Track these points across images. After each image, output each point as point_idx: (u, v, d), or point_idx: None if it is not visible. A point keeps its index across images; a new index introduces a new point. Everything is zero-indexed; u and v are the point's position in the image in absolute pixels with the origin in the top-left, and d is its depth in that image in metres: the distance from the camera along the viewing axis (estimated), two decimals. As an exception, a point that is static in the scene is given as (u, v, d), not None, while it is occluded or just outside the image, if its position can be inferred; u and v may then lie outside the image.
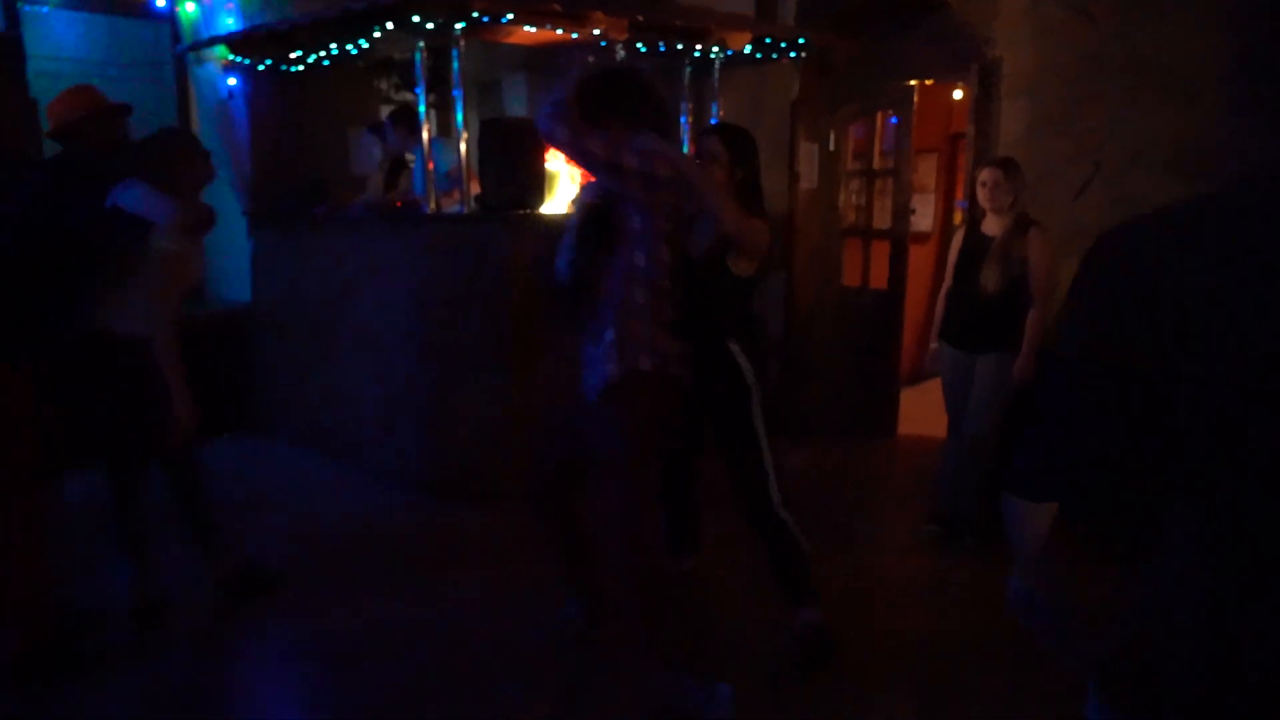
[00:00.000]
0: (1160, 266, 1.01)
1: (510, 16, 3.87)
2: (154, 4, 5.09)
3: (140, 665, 2.85)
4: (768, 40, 4.79)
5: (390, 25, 3.88)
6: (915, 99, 5.16)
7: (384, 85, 6.42)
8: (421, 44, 4.17)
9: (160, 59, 5.26)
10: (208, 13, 4.95)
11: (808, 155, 5.48)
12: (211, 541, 3.25)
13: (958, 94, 5.29)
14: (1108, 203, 4.25)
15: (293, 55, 4.58)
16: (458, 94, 4.21)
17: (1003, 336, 3.71)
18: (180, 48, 4.99)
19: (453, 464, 4.33)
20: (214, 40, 4.69)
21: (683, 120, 5.17)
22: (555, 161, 4.67)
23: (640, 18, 4.12)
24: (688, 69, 5.03)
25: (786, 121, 5.34)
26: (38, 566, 2.76)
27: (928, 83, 5.24)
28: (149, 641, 2.98)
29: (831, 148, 5.52)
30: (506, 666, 2.84)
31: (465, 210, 4.35)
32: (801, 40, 4.84)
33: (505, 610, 3.20)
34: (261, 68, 4.96)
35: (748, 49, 4.80)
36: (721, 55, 4.78)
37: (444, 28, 3.91)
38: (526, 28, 4.16)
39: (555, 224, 4.44)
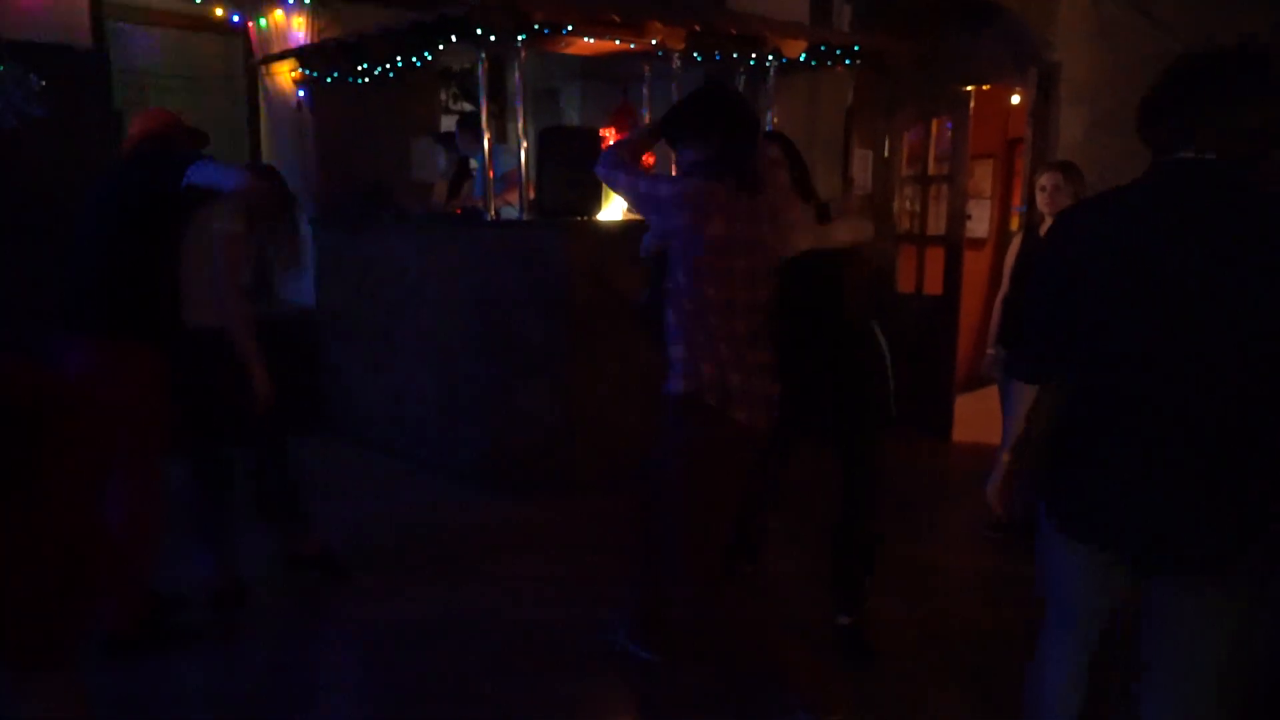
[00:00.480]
0: (1087, 227, 1.70)
1: (570, 28, 3.96)
2: (229, 20, 5.30)
3: (220, 644, 3.00)
4: (822, 48, 4.82)
5: (455, 37, 4.00)
6: (971, 104, 5.14)
7: (444, 95, 6.59)
8: (483, 55, 4.29)
9: (233, 71, 5.48)
10: (279, 27, 5.14)
11: (862, 161, 5.50)
12: (293, 524, 3.39)
13: (1015, 98, 5.26)
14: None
15: (360, 67, 4.74)
16: (519, 103, 4.32)
17: None
18: (252, 60, 5.18)
19: (512, 460, 4.44)
20: (285, 54, 4.87)
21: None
22: (612, 168, 4.76)
23: (697, 27, 4.18)
24: (741, 77, 5.08)
25: (840, 128, 5.37)
26: (151, 546, 2.90)
27: (984, 88, 5.23)
28: (228, 622, 3.13)
29: (886, 154, 5.52)
30: (561, 656, 2.91)
31: (523, 216, 4.46)
32: (856, 47, 4.86)
33: (561, 601, 3.28)
34: (329, 79, 5.14)
35: (803, 56, 4.84)
36: (776, 63, 4.82)
37: (506, 39, 4.02)
38: (585, 38, 4.26)
39: (611, 230, 4.54)
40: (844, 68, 5.26)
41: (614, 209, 4.79)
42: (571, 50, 4.56)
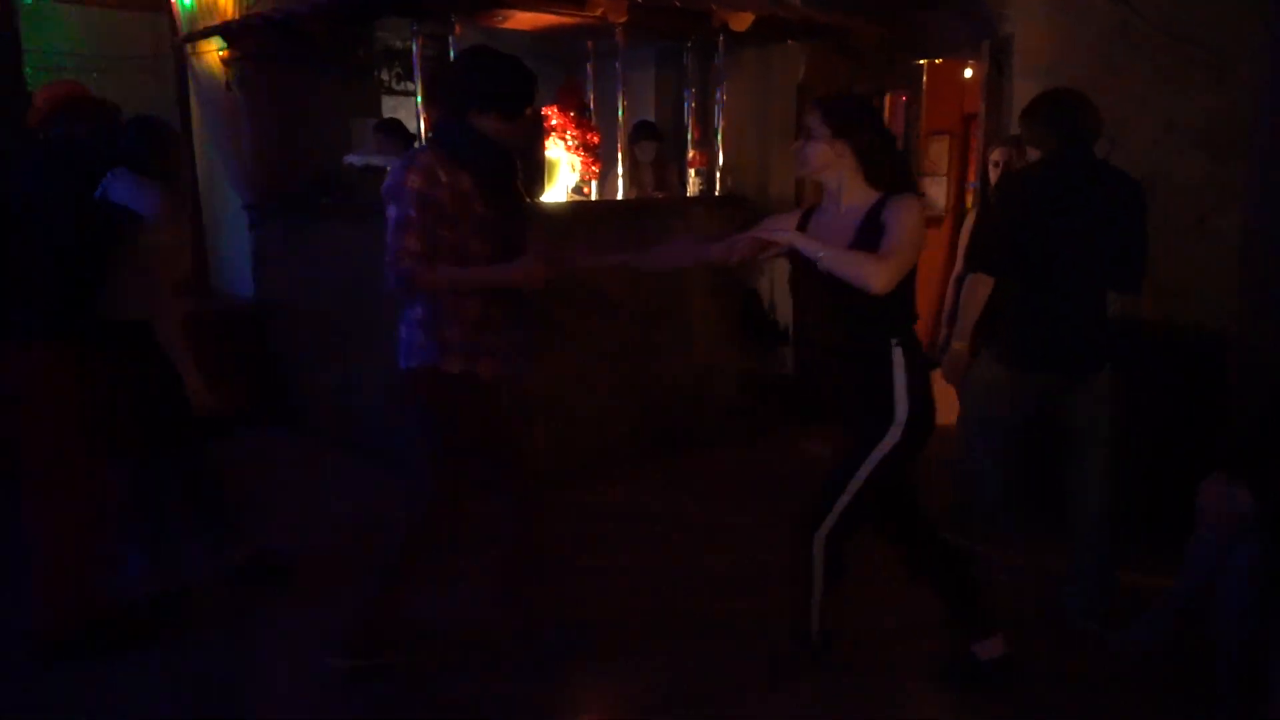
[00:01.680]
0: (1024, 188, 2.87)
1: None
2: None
3: (157, 652, 2.84)
4: (774, 24, 4.68)
5: (385, 13, 3.80)
6: (925, 78, 5.04)
7: (386, 76, 6.34)
8: (417, 30, 4.09)
9: (159, 51, 5.21)
10: (205, 3, 4.88)
11: (816, 139, 5.37)
12: (225, 528, 3.23)
13: (968, 72, 5.16)
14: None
15: (291, 46, 4.51)
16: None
17: None
18: (177, 39, 4.92)
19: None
20: (210, 31, 4.63)
21: (685, 106, 5.07)
22: (555, 149, 4.59)
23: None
24: (689, 52, 4.92)
25: (793, 106, 5.23)
26: (89, 549, 2.76)
27: (937, 62, 5.12)
28: (166, 626, 2.95)
29: (840, 131, 5.40)
30: (508, 659, 2.78)
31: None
32: (807, 22, 4.72)
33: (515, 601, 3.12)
34: (261, 59, 4.90)
35: (752, 31, 4.68)
36: (724, 38, 4.66)
37: (438, 13, 3.83)
38: (524, 11, 4.07)
39: (556, 212, 4.38)
40: (796, 43, 5.12)
41: (558, 190, 4.63)
42: (510, 25, 4.38)
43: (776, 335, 5.55)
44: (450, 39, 4.05)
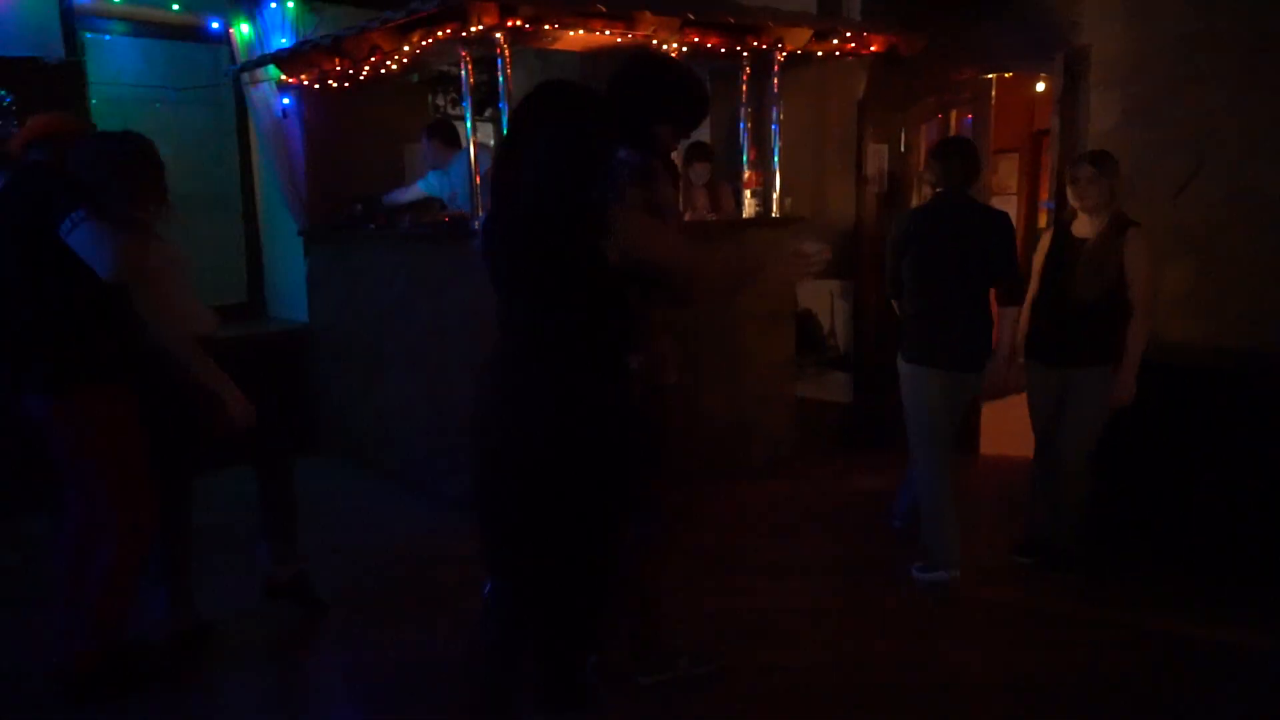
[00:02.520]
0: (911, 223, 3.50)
1: (539, 20, 3.70)
2: (209, 28, 5.11)
3: (177, 690, 2.79)
4: (833, 39, 4.52)
5: (431, 37, 3.75)
6: (993, 93, 4.81)
7: (440, 101, 6.36)
8: (464, 54, 4.04)
9: (219, 81, 5.29)
10: (261, 34, 4.93)
11: (876, 157, 5.17)
12: (281, 545, 3.18)
13: (1040, 86, 4.91)
14: (1220, 199, 3.84)
15: (341, 71, 4.51)
16: (503, 106, 4.05)
17: (1098, 350, 3.37)
18: (232, 69, 4.98)
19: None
20: (264, 60, 4.66)
21: (741, 126, 4.92)
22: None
23: (691, 15, 3.90)
24: (745, 71, 4.78)
25: (853, 122, 5.05)
26: (129, 587, 2.72)
27: (1007, 75, 4.88)
28: (187, 665, 2.91)
29: (902, 148, 5.19)
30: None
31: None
32: (866, 34, 4.55)
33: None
34: (314, 86, 4.92)
35: (808, 47, 4.53)
36: (780, 55, 4.51)
37: (485, 36, 3.77)
38: (573, 31, 3.99)
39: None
40: (855, 58, 4.94)
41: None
42: (560, 46, 4.30)
43: (834, 362, 5.34)
44: (500, 60, 3.99)
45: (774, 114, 4.70)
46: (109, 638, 2.71)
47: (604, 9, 3.69)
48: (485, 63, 5.03)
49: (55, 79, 4.43)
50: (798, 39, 4.36)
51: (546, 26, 3.70)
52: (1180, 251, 3.96)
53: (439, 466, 4.47)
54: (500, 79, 3.99)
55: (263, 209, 5.65)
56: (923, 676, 2.82)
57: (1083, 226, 3.45)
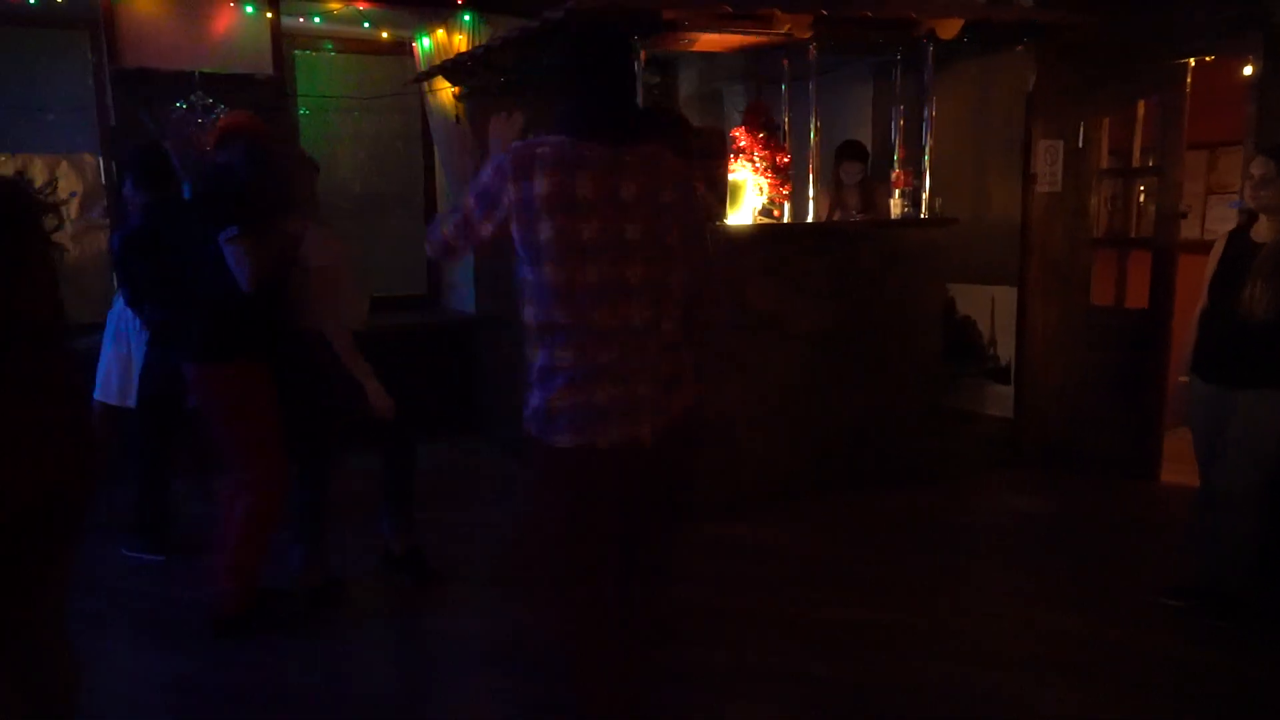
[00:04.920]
0: None
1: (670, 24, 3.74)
2: (397, 42, 5.60)
3: (312, 636, 3.13)
4: (988, 28, 4.23)
5: (562, 42, 3.91)
6: (1189, 80, 4.29)
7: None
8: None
9: (404, 91, 5.78)
10: (441, 45, 5.35)
11: (1049, 154, 4.77)
12: (398, 519, 3.50)
13: (1248, 70, 4.30)
14: None
15: (502, 78, 4.80)
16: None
17: (1270, 369, 2.96)
18: (410, 79, 5.43)
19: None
20: (433, 70, 5.05)
21: (893, 123, 4.72)
22: (741, 171, 4.48)
23: (824, 11, 3.80)
24: (898, 66, 4.59)
25: (1019, 116, 4.69)
26: (264, 539, 3.10)
27: (1207, 59, 4.33)
28: (317, 617, 3.25)
29: (1080, 144, 4.75)
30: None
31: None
32: (1034, 20, 4.22)
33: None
34: (484, 93, 5.27)
35: (966, 37, 4.27)
36: (931, 47, 4.28)
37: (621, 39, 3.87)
38: (709, 34, 4.02)
39: (739, 235, 4.25)
40: (1023, 47, 4.59)
41: (744, 212, 4.50)
42: (697, 48, 4.34)
43: (994, 374, 5.00)
44: (635, 64, 4.09)
45: (925, 114, 4.47)
46: (244, 582, 3.10)
47: (730, 9, 3.68)
48: (657, 64, 5.16)
49: (264, 93, 5.06)
50: (949, 29, 4.12)
51: (670, 28, 3.74)
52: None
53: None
54: (638, 84, 4.10)
55: (443, 209, 6.12)
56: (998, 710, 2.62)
57: (1262, 230, 3.06)
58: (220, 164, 3.19)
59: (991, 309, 5.03)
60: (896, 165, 4.61)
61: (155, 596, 3.47)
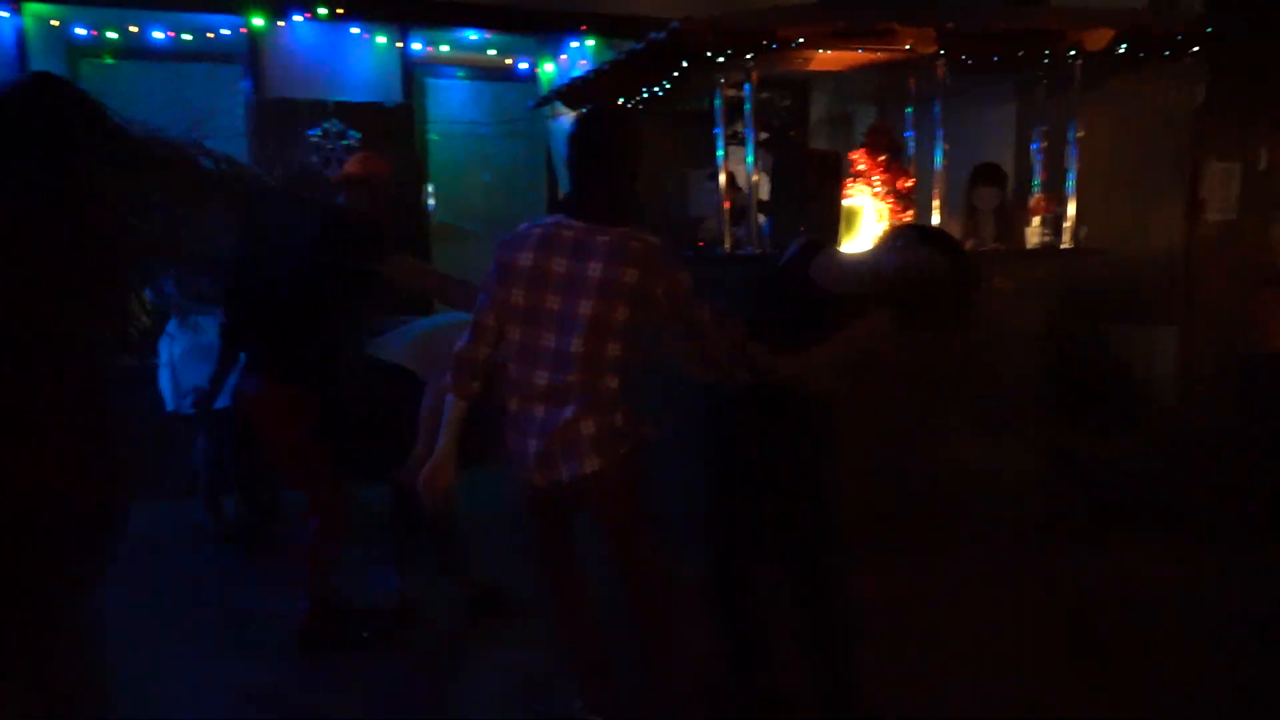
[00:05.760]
0: None
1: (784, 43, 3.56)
2: (519, 68, 5.68)
3: (391, 654, 3.15)
4: (1145, 39, 3.80)
5: (677, 67, 3.81)
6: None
7: (738, 126, 6.40)
8: (720, 79, 4.04)
9: (528, 116, 5.85)
10: (563, 71, 5.38)
11: (1221, 178, 4.24)
12: (454, 560, 3.45)
13: None
14: None
15: (618, 101, 4.75)
16: (749, 132, 3.99)
17: None
18: (530, 104, 5.48)
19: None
20: (549, 96, 5.06)
21: (1034, 146, 4.32)
22: (858, 197, 4.21)
23: (950, 25, 3.51)
24: (1043, 82, 4.20)
25: (1182, 136, 4.18)
26: (333, 557, 3.15)
27: None
28: (389, 639, 3.24)
29: (1263, 167, 4.19)
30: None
31: (752, 249, 4.11)
32: (1198, 31, 3.75)
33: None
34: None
35: (1119, 51, 3.85)
36: (1078, 61, 3.88)
37: (734, 63, 3.73)
38: (822, 50, 3.81)
39: (855, 261, 3.97)
40: (1192, 60, 4.10)
41: (862, 239, 4.22)
42: (815, 67, 4.12)
43: (1141, 421, 4.47)
44: (747, 87, 3.93)
45: (1070, 134, 4.05)
46: (319, 597, 3.12)
47: (844, 25, 3.46)
48: (781, 86, 4.93)
49: (394, 120, 5.23)
50: (1098, 40, 3.72)
51: (773, 47, 3.55)
52: None
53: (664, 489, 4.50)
54: (747, 106, 3.93)
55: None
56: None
57: None
58: (339, 208, 3.32)
59: (1150, 350, 4.50)
60: (1038, 190, 4.21)
61: (245, 606, 3.57)
